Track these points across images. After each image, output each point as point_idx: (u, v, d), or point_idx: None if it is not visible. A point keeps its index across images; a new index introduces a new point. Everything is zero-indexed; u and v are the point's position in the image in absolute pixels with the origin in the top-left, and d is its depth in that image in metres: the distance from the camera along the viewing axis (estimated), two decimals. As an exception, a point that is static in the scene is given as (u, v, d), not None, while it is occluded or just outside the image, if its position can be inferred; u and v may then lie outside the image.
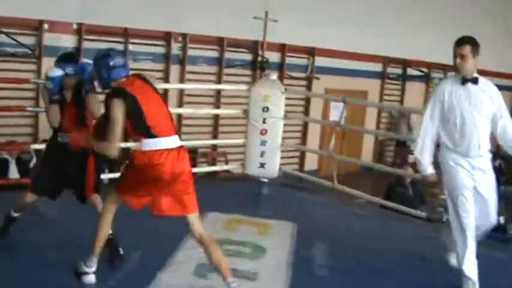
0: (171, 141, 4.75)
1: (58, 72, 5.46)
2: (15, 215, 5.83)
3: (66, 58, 5.75)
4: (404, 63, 17.72)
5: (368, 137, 17.15)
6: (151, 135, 4.67)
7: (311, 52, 15.33)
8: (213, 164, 13.49)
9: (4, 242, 5.68)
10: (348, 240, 6.63)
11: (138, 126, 4.70)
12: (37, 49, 11.31)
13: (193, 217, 4.82)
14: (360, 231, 7.26)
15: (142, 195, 4.76)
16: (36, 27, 11.31)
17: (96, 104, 5.49)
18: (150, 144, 4.67)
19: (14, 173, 9.58)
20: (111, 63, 4.80)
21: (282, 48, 14.77)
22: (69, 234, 5.95)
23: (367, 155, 17.13)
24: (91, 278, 4.97)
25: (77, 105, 5.55)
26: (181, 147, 4.81)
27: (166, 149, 4.70)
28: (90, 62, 5.17)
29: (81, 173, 5.57)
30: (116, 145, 4.71)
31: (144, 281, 5.06)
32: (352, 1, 15.59)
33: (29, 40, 11.23)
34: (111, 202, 4.93)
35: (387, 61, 17.27)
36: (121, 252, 5.43)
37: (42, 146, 9.70)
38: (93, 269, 4.97)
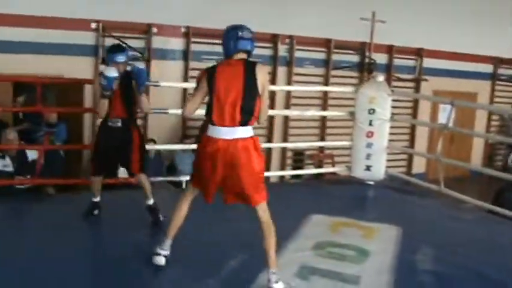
0: (227, 132, 4.91)
1: (114, 73, 6.02)
2: (96, 200, 6.63)
3: (117, 49, 6.49)
4: (517, 64, 17.23)
5: (477, 140, 16.77)
6: (211, 121, 4.96)
7: (419, 53, 15.12)
8: (320, 166, 13.48)
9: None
10: (453, 246, 6.50)
11: (208, 108, 5.01)
12: (146, 52, 11.57)
13: (259, 207, 5.01)
14: (466, 236, 7.11)
15: (204, 184, 5.12)
16: (145, 30, 11.58)
17: (148, 103, 6.62)
18: (209, 130, 4.99)
19: (123, 172, 9.79)
20: (239, 34, 5.13)
21: (390, 49, 14.62)
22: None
23: (476, 158, 16.77)
24: (161, 260, 5.26)
25: (125, 97, 6.30)
26: (242, 139, 4.94)
27: (221, 138, 4.91)
28: (143, 67, 6.31)
29: (128, 152, 6.36)
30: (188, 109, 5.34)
31: (246, 282, 5.11)
32: (460, 1, 15.31)
33: (139, 43, 11.50)
34: (186, 191, 5.36)
35: (498, 62, 16.84)
36: (161, 218, 6.43)
37: (151, 147, 10.02)
38: (166, 252, 5.28)
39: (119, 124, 6.32)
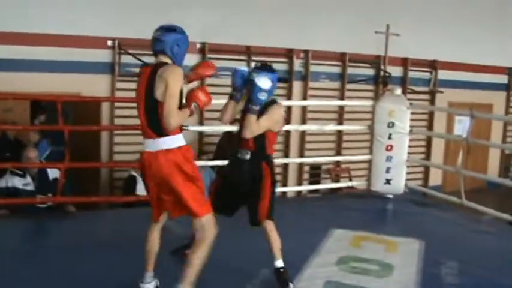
0: (150, 144, 4.81)
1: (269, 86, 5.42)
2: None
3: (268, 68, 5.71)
4: (532, 74, 17.18)
5: (494, 151, 16.72)
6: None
7: (433, 65, 15.10)
8: (337, 180, 13.46)
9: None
10: (477, 259, 6.47)
11: None
12: (162, 68, 11.59)
13: (198, 221, 4.80)
14: (490, 249, 7.08)
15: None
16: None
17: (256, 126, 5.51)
18: None
19: (141, 190, 9.79)
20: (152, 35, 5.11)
21: (404, 62, 14.62)
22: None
23: (493, 169, 16.72)
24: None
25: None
26: (164, 151, 4.73)
27: (146, 151, 4.84)
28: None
29: (256, 197, 5.47)
30: None
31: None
32: (473, 13, 15.30)
33: (154, 60, 11.51)
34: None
35: (512, 72, 16.84)
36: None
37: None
38: (150, 284, 5.14)
39: (248, 157, 5.56)
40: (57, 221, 7.52)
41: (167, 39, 4.92)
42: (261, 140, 5.49)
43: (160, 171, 4.70)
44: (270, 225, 5.41)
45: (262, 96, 5.32)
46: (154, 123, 4.71)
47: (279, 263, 5.39)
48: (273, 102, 5.54)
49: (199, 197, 4.77)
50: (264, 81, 5.32)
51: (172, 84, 4.63)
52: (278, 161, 11.87)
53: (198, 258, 4.71)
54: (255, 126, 5.36)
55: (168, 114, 4.60)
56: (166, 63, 4.82)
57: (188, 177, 4.71)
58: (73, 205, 8.21)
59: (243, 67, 5.78)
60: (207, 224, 4.74)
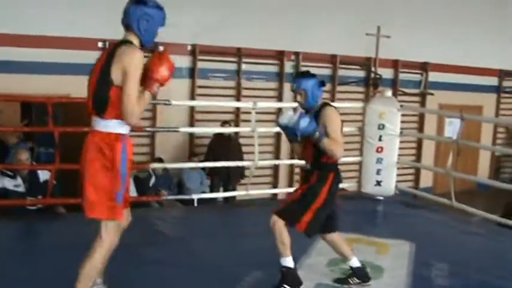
0: (93, 123, 4.39)
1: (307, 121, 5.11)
2: None
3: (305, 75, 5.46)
4: (522, 76, 17.24)
5: (484, 153, 16.76)
6: None
7: (424, 67, 15.15)
8: (327, 182, 13.45)
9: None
10: (468, 260, 6.49)
11: None
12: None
13: (103, 224, 4.39)
14: (480, 250, 7.10)
15: None
16: (152, 49, 11.58)
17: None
18: None
19: (132, 191, 9.80)
20: None
21: (395, 64, 14.66)
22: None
23: (483, 171, 16.77)
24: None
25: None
26: (98, 132, 4.32)
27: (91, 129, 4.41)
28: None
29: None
30: None
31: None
32: (463, 15, 15.36)
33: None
34: None
35: (503, 74, 16.86)
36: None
37: (159, 165, 10.02)
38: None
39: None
40: (48, 222, 7.49)
41: (134, 12, 4.31)
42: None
43: (87, 152, 4.34)
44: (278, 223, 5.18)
45: (310, 126, 5.06)
46: (101, 105, 4.26)
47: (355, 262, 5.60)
48: (324, 105, 5.34)
49: (106, 196, 4.28)
50: (303, 123, 5.06)
51: (133, 74, 4.15)
52: (269, 162, 11.88)
53: (92, 265, 4.38)
54: (335, 146, 5.11)
55: (127, 107, 4.14)
56: (128, 42, 4.30)
57: (108, 165, 4.27)
58: (63, 207, 8.19)
59: (285, 117, 5.21)
60: (112, 231, 4.40)
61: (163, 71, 4.32)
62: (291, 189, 12.29)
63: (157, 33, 4.43)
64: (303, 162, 5.52)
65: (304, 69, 12.92)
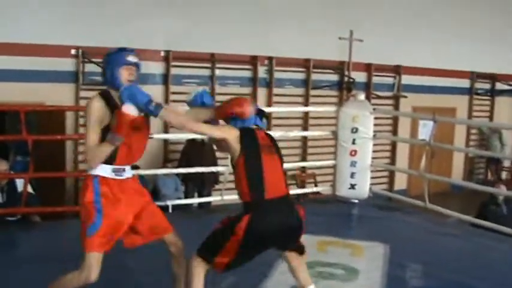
0: None
1: None
2: None
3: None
4: (493, 78, 17.37)
5: (457, 154, 16.87)
6: None
7: (397, 70, 15.23)
8: (302, 186, 13.50)
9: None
10: (442, 261, 6.54)
11: None
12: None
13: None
14: (454, 251, 7.15)
15: None
16: (125, 55, 11.59)
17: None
18: None
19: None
20: None
21: (368, 67, 14.72)
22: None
23: (457, 173, 16.87)
24: None
25: None
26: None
27: None
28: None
29: None
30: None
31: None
32: (435, 18, 15.46)
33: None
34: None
35: (475, 76, 16.99)
36: None
37: (133, 172, 9.97)
38: None
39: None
40: (23, 231, 7.47)
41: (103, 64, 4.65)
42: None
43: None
44: None
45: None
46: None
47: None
48: None
49: (93, 233, 4.43)
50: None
51: (88, 124, 4.43)
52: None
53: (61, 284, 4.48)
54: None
55: (86, 155, 4.52)
56: (102, 91, 4.59)
57: (82, 202, 4.55)
58: (39, 215, 8.16)
59: None
60: (87, 262, 4.41)
61: (120, 129, 4.32)
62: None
63: (122, 73, 4.50)
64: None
65: (277, 74, 13.08)
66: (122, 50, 4.57)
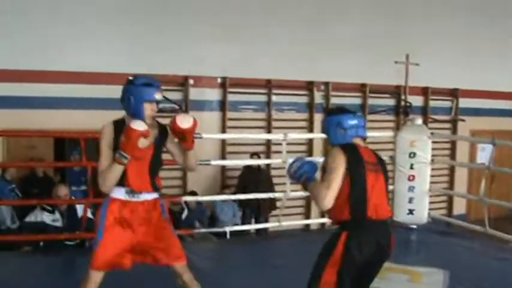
0: None
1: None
2: None
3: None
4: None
5: (519, 178, 16.62)
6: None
7: (454, 94, 15.11)
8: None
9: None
10: (501, 287, 6.45)
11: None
12: (184, 104, 11.69)
13: None
14: (514, 277, 7.05)
15: None
16: (182, 82, 11.73)
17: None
18: None
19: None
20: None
21: (425, 91, 14.65)
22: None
23: (517, 197, 16.62)
24: None
25: None
26: None
27: None
28: None
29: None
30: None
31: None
32: (492, 39, 15.30)
33: (176, 96, 11.64)
34: None
35: (534, 97, 16.77)
36: None
37: (191, 198, 10.07)
38: None
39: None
40: (81, 256, 7.54)
41: (123, 90, 4.73)
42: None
43: None
44: None
45: (297, 172, 4.58)
46: None
47: None
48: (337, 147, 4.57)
49: (95, 248, 4.64)
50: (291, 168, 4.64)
51: (100, 149, 4.65)
52: (301, 193, 11.88)
53: None
54: (317, 191, 4.37)
55: (98, 179, 4.63)
56: (119, 120, 4.75)
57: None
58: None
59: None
60: (90, 279, 4.62)
61: (121, 138, 4.50)
62: (323, 220, 12.41)
63: (146, 108, 4.66)
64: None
65: (334, 99, 13.06)
66: (149, 85, 4.66)
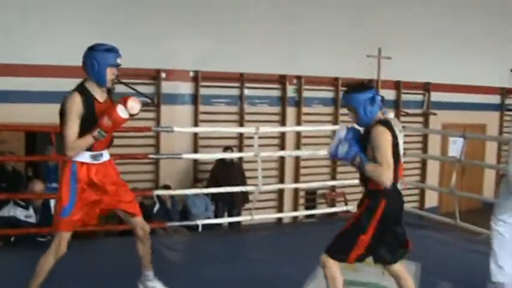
0: None
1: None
2: None
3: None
4: (524, 94, 17.25)
5: (488, 171, 16.72)
6: None
7: (426, 87, 15.19)
8: (332, 205, 13.47)
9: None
10: (473, 279, 6.48)
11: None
12: (156, 97, 11.65)
13: None
14: (485, 269, 7.07)
15: None
16: (155, 76, 11.68)
17: None
18: None
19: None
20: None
21: (397, 85, 14.70)
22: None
23: (488, 190, 16.71)
24: None
25: None
26: None
27: None
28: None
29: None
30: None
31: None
32: (464, 34, 15.41)
33: (148, 89, 11.58)
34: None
35: (505, 92, 16.90)
36: None
37: (163, 192, 10.05)
38: None
39: None
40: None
41: (85, 56, 5.01)
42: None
43: None
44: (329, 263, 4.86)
45: (349, 153, 4.71)
46: None
47: None
48: (376, 123, 4.70)
49: (57, 209, 4.97)
50: (341, 149, 4.74)
51: (67, 114, 4.81)
52: (273, 187, 11.90)
53: (41, 265, 5.09)
54: (380, 172, 4.56)
55: (64, 145, 4.80)
56: (79, 85, 5.00)
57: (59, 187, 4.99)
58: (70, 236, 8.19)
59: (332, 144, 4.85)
60: (57, 240, 5.02)
61: (105, 120, 4.74)
62: (295, 214, 12.42)
63: (108, 72, 4.92)
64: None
65: (306, 93, 13.09)
66: (111, 51, 4.97)
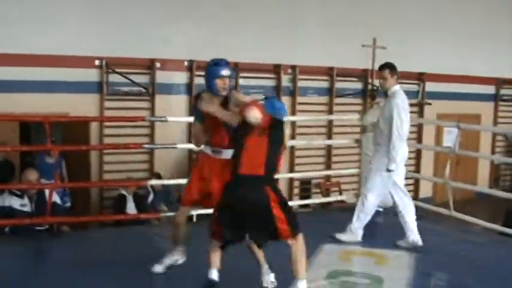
0: None
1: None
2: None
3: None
4: (519, 84, 17.27)
5: (483, 161, 16.75)
6: None
7: (421, 77, 15.18)
8: (327, 194, 13.48)
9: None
10: (467, 269, 6.51)
11: None
12: (150, 87, 11.62)
13: None
14: (479, 259, 7.08)
15: None
16: (149, 66, 11.65)
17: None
18: None
19: (131, 208, 9.80)
20: None
21: (392, 75, 14.68)
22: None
23: (482, 180, 16.75)
24: None
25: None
26: None
27: None
28: None
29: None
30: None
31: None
32: (460, 25, 15.41)
33: (143, 79, 11.56)
34: None
35: (500, 82, 16.91)
36: None
37: (157, 182, 10.04)
38: None
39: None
40: (49, 241, 7.50)
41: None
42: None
43: None
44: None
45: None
46: None
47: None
48: None
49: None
50: None
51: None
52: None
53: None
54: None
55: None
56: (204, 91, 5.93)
57: None
58: (68, 225, 8.22)
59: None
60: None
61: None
62: (291, 203, 12.42)
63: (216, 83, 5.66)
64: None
65: (301, 82, 13.08)
66: (217, 64, 5.70)
